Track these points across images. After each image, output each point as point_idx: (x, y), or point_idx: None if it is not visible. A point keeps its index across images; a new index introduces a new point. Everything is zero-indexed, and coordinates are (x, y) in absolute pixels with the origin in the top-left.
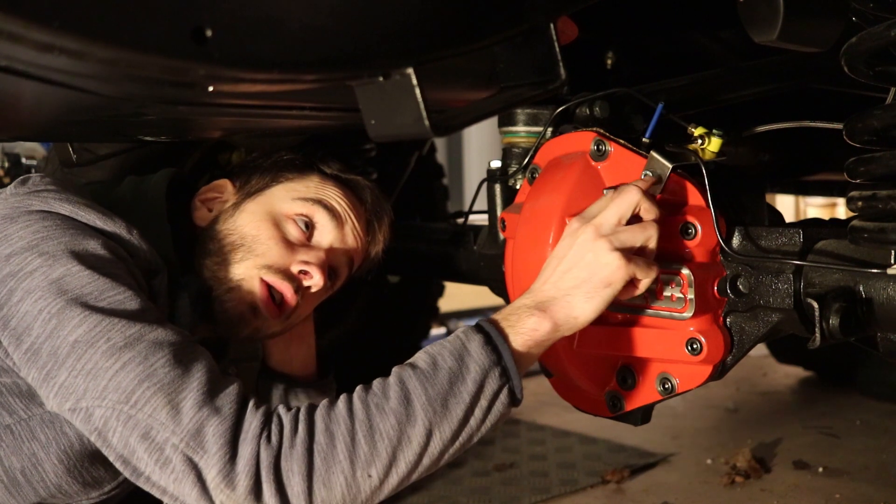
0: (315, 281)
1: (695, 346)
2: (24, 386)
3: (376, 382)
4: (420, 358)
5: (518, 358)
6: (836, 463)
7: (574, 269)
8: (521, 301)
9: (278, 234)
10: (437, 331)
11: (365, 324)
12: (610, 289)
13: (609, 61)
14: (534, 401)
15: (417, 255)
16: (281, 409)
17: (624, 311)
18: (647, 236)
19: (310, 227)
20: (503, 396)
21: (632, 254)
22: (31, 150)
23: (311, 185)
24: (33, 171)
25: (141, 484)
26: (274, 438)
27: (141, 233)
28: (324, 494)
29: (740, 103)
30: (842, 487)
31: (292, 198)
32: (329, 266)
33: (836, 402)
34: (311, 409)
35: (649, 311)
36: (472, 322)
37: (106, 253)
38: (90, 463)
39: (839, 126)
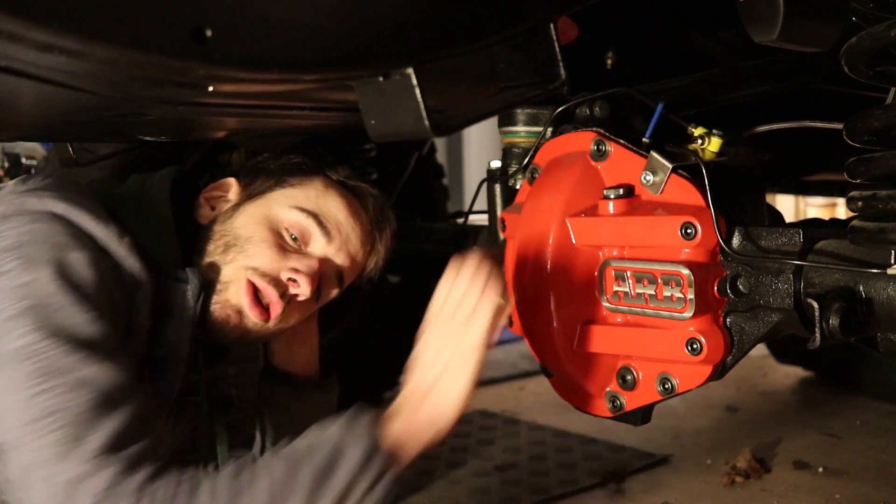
0: (302, 290)
1: (695, 346)
2: None
3: (246, 471)
4: (296, 445)
5: (395, 450)
6: (836, 463)
7: (439, 368)
8: (397, 407)
9: (272, 238)
10: None
11: (365, 323)
12: (475, 364)
13: (609, 61)
14: (534, 401)
15: (417, 255)
16: (164, 483)
17: (624, 311)
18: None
19: (304, 237)
20: (379, 488)
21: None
22: (31, 150)
23: (312, 194)
24: (33, 171)
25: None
26: None
27: (133, 240)
28: None
29: (740, 103)
30: (842, 487)
31: (290, 205)
32: (323, 275)
33: (836, 402)
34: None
35: (649, 311)
36: None
37: (85, 266)
38: None
39: (839, 126)
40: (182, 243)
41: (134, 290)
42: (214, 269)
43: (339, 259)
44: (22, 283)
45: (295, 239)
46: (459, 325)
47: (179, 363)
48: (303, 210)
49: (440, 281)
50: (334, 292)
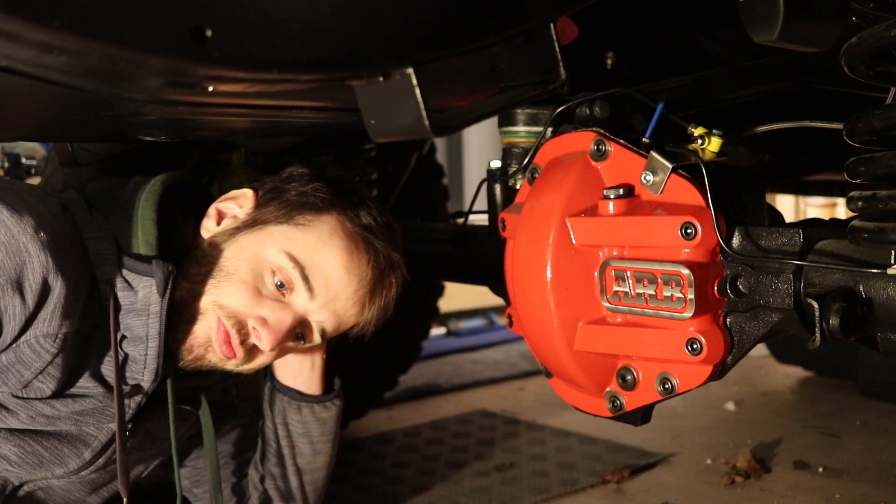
0: (262, 344)
1: (695, 346)
2: None
3: None
4: None
5: None
6: (836, 463)
7: None
8: None
9: (251, 280)
10: (437, 331)
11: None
12: None
13: (609, 61)
14: (534, 401)
15: (417, 255)
16: None
17: (624, 311)
18: None
19: (288, 286)
20: None
21: None
22: (31, 150)
23: (312, 241)
24: (33, 171)
25: None
26: None
27: (55, 238)
28: None
29: (740, 103)
30: (842, 487)
31: (282, 248)
32: (305, 324)
33: (836, 402)
34: None
35: (649, 311)
36: (473, 322)
37: None
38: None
39: (839, 126)
40: (168, 246)
41: (42, 293)
42: (189, 296)
43: (321, 316)
44: None
45: (280, 285)
46: None
47: (150, 360)
48: (292, 258)
49: None
50: (316, 341)
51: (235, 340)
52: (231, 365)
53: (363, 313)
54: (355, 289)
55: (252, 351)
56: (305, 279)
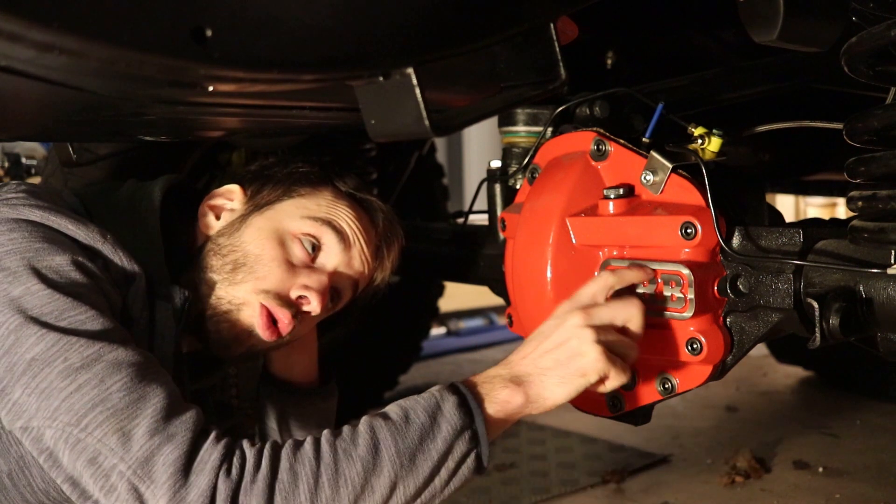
0: (313, 307)
1: (695, 346)
2: None
3: (346, 428)
4: (392, 410)
5: (489, 425)
6: (836, 463)
7: (555, 351)
8: (497, 370)
9: (282, 254)
10: (437, 331)
11: (365, 324)
12: (584, 379)
13: (609, 61)
14: None
15: (417, 255)
16: (245, 444)
17: None
18: (628, 315)
19: (316, 248)
20: (470, 461)
21: (614, 349)
22: (31, 150)
23: (323, 203)
24: (33, 171)
25: None
26: (234, 472)
27: (116, 237)
28: None
29: (740, 103)
30: (842, 487)
31: (301, 216)
32: (334, 286)
33: (836, 402)
34: (277, 447)
35: (649, 310)
36: (473, 322)
37: (72, 269)
38: None
39: (839, 126)
40: (174, 255)
41: (126, 285)
42: (224, 289)
43: (353, 269)
44: (14, 297)
45: (312, 248)
46: (593, 341)
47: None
48: (315, 218)
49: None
50: (347, 300)
51: (287, 317)
52: (275, 343)
53: (385, 263)
54: (372, 240)
55: (299, 323)
56: (336, 230)
